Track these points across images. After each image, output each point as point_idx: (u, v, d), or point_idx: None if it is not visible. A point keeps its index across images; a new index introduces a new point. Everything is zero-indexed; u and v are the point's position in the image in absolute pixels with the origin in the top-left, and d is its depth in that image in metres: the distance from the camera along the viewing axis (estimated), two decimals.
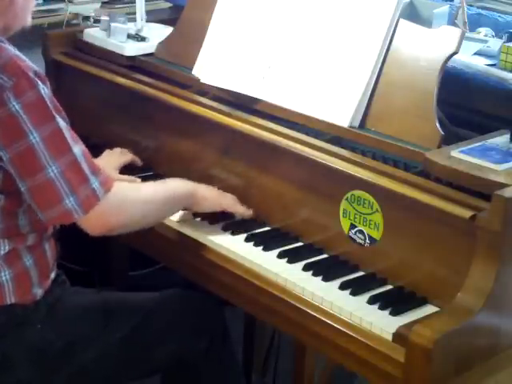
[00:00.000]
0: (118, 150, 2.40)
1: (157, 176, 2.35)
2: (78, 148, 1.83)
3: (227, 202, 2.11)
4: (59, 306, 1.95)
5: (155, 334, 2.04)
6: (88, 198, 1.82)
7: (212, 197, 2.10)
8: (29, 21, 1.96)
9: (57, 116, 1.81)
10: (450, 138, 1.91)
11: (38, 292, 1.91)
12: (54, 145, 1.79)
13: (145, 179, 2.34)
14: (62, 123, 1.82)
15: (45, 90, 1.80)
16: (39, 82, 1.79)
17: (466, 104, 2.05)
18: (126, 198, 1.90)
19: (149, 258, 2.35)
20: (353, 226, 1.94)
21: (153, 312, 2.05)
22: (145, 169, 2.41)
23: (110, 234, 1.91)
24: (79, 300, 2.00)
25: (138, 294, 2.13)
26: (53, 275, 1.97)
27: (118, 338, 1.98)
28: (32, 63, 1.83)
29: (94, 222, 1.85)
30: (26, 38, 2.93)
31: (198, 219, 2.15)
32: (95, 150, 2.50)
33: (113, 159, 2.35)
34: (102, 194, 1.83)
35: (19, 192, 1.83)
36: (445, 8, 2.33)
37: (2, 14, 1.88)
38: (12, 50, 1.83)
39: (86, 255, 2.81)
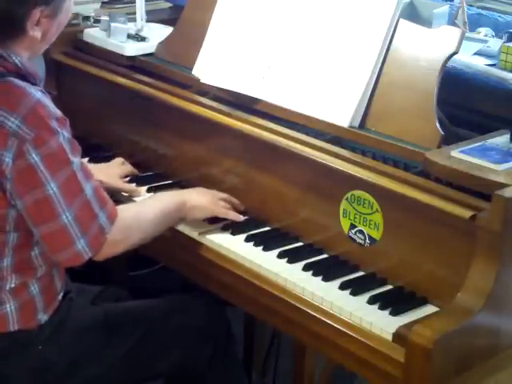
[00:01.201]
0: (119, 160, 2.38)
1: (157, 176, 2.36)
2: (90, 186, 1.83)
3: (218, 209, 2.10)
4: (61, 327, 1.93)
5: (159, 344, 2.04)
6: (96, 238, 1.83)
7: (202, 205, 2.09)
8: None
9: (72, 158, 1.80)
10: (450, 138, 1.91)
11: (43, 318, 1.91)
12: (68, 190, 1.79)
13: (145, 180, 2.34)
14: (76, 162, 1.81)
15: (64, 136, 1.79)
16: (59, 130, 1.78)
17: (466, 104, 2.05)
18: (130, 225, 1.92)
19: (149, 258, 2.35)
20: (353, 226, 1.94)
21: (156, 322, 2.05)
22: (145, 169, 2.41)
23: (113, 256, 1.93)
24: (81, 318, 1.98)
25: (140, 304, 2.12)
26: (60, 297, 1.96)
27: (121, 352, 1.98)
28: (54, 107, 1.81)
29: (103, 251, 1.87)
30: None
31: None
32: (95, 149, 2.52)
33: (116, 169, 2.33)
34: (109, 227, 1.85)
35: (31, 231, 1.83)
36: (445, 8, 2.33)
37: (33, 48, 1.89)
38: (36, 94, 1.79)
39: None
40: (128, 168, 2.36)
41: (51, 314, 1.92)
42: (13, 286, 1.86)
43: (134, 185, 2.31)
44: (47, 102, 1.81)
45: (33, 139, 1.74)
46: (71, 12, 1.96)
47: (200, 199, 2.10)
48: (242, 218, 2.12)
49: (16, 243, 1.84)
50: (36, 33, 1.84)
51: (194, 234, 2.09)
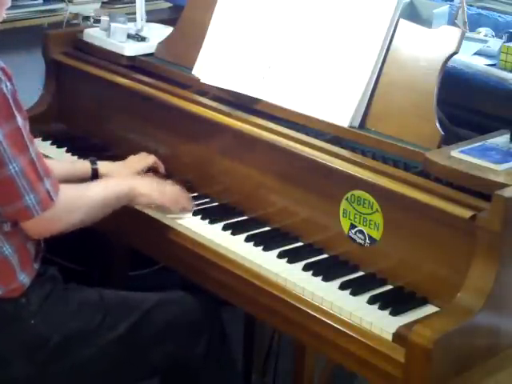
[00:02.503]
0: (143, 154, 2.38)
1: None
2: (33, 148, 1.86)
3: (162, 199, 2.13)
4: (52, 300, 1.95)
5: (153, 334, 2.04)
6: (45, 198, 1.86)
7: (150, 193, 2.12)
8: (3, 17, 1.96)
9: (17, 115, 1.83)
10: (450, 138, 1.91)
11: (25, 280, 1.91)
12: (14, 143, 1.82)
13: None
14: (21, 122, 1.84)
15: (8, 87, 1.81)
16: (3, 79, 1.80)
17: (466, 104, 2.05)
18: (73, 203, 1.95)
19: (149, 258, 2.35)
20: (353, 226, 1.94)
21: (151, 312, 2.05)
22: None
23: (48, 236, 1.95)
24: (75, 296, 2.00)
25: (136, 294, 2.13)
26: (36, 266, 1.97)
27: (115, 335, 1.98)
28: None
29: (41, 225, 1.89)
30: (26, 38, 2.95)
31: (198, 218, 2.15)
32: (95, 150, 2.52)
33: (133, 164, 2.34)
34: (55, 195, 1.88)
35: None
36: (445, 8, 2.33)
37: None
38: None
39: (85, 255, 2.81)
40: (148, 160, 2.35)
41: (34, 281, 1.93)
42: None
43: None
44: None
45: None
46: None
47: (149, 188, 2.13)
48: (190, 207, 2.15)
49: None
50: None
51: (193, 234, 2.09)
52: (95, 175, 2.27)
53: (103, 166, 2.30)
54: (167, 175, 2.35)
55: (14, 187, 1.83)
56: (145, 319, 2.03)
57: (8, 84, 1.82)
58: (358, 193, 1.92)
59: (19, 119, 1.84)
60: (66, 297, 1.98)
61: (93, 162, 2.29)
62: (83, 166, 2.29)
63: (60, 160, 2.40)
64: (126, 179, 2.18)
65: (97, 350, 1.97)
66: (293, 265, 1.96)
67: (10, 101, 1.82)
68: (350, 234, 1.95)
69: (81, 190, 2.03)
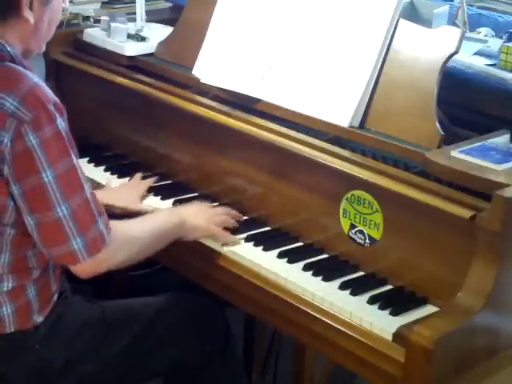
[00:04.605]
0: (138, 176, 2.34)
1: (156, 176, 2.36)
2: (88, 187, 1.81)
3: (213, 229, 2.06)
4: (57, 325, 1.92)
5: (155, 342, 2.03)
6: (95, 242, 1.80)
7: (200, 225, 2.05)
8: (44, 48, 1.96)
9: (72, 153, 1.78)
10: (450, 138, 1.91)
11: (38, 319, 1.89)
12: (67, 183, 1.76)
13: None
14: (75, 160, 1.79)
15: (62, 124, 1.77)
16: (57, 116, 1.76)
17: (466, 104, 2.05)
18: (122, 241, 1.87)
19: (148, 258, 2.35)
20: (353, 226, 1.94)
21: (153, 320, 2.04)
22: (145, 169, 2.41)
23: (96, 275, 1.88)
24: (77, 316, 1.97)
25: (137, 301, 2.10)
26: (55, 298, 1.94)
27: (117, 348, 1.97)
28: (51, 92, 1.79)
29: (89, 266, 1.82)
30: None
31: None
32: (95, 150, 2.52)
33: (135, 192, 2.27)
34: (108, 237, 1.82)
35: None
36: (445, 8, 2.33)
37: (26, 39, 1.87)
38: (33, 77, 1.79)
39: None
40: (147, 184, 2.30)
41: (46, 315, 1.90)
42: (10, 287, 1.84)
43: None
44: (45, 86, 1.80)
45: (31, 121, 1.72)
46: (61, 11, 1.94)
47: (198, 219, 2.06)
48: (233, 238, 2.06)
49: (13, 239, 1.82)
50: (29, 17, 1.82)
51: None
52: None
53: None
54: (169, 177, 2.35)
55: (60, 231, 1.76)
56: (147, 328, 2.02)
57: (62, 121, 1.77)
58: (358, 193, 1.92)
59: (74, 157, 1.78)
60: (71, 320, 1.94)
61: None
62: None
63: None
64: (178, 211, 2.08)
65: (100, 365, 1.96)
66: (293, 265, 1.96)
67: (65, 138, 1.77)
68: (350, 234, 1.95)
69: (129, 228, 1.94)
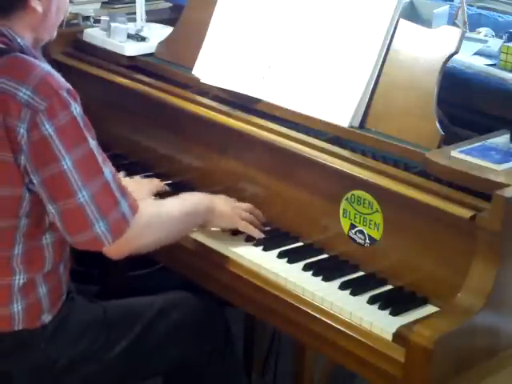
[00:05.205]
0: (156, 180, 2.32)
1: (156, 176, 2.36)
2: (108, 169, 1.81)
3: (239, 222, 2.06)
4: (63, 325, 1.93)
5: (156, 342, 2.03)
6: (118, 223, 1.80)
7: (228, 215, 2.06)
8: (55, 35, 1.97)
9: (88, 137, 1.79)
10: (450, 138, 1.91)
11: (47, 318, 1.90)
12: (85, 168, 1.77)
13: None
14: (93, 143, 1.80)
15: (77, 109, 1.78)
16: (71, 102, 1.77)
17: (466, 104, 2.05)
18: (151, 220, 1.87)
19: (148, 258, 2.35)
20: (353, 226, 1.94)
21: (154, 320, 2.04)
22: (145, 168, 2.41)
23: (127, 255, 1.88)
24: (81, 316, 1.97)
25: (137, 301, 2.10)
26: (64, 297, 1.94)
27: (119, 349, 1.97)
28: (63, 80, 1.80)
29: (118, 247, 1.83)
30: None
31: None
32: None
33: (146, 186, 2.27)
34: (131, 217, 1.81)
35: (43, 217, 1.82)
36: (445, 8, 2.32)
37: (35, 29, 1.88)
38: (44, 66, 1.80)
39: (85, 255, 2.80)
40: (158, 186, 2.29)
41: (54, 315, 1.91)
42: (21, 281, 1.84)
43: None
44: (57, 74, 1.80)
45: (46, 109, 1.73)
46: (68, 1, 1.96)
47: (226, 208, 2.06)
48: (261, 235, 2.06)
49: (27, 230, 1.82)
50: (37, 6, 1.83)
51: (193, 234, 2.09)
52: None
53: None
54: (170, 176, 2.35)
55: (84, 216, 1.77)
56: (149, 329, 2.02)
57: (76, 106, 1.77)
58: (358, 193, 1.92)
59: (91, 141, 1.79)
60: (76, 320, 1.95)
61: None
62: None
63: None
64: (205, 196, 2.08)
65: (102, 365, 1.96)
66: (293, 265, 1.96)
67: (81, 124, 1.77)
68: (350, 234, 1.95)
69: (157, 204, 1.95)
